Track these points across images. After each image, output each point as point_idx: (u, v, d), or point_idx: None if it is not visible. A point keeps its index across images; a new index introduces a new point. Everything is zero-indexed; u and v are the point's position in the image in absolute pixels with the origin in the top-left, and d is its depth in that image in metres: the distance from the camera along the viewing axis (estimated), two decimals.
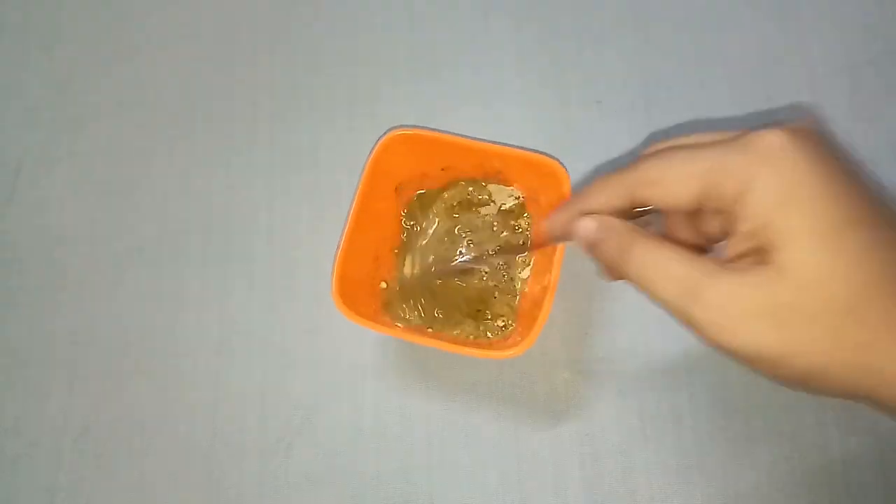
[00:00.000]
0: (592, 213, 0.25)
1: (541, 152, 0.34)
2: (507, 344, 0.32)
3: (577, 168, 0.39)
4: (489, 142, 0.34)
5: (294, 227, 0.40)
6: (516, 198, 0.38)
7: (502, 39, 0.43)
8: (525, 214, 0.38)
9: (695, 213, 0.25)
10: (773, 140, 0.20)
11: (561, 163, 0.33)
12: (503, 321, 0.36)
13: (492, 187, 0.38)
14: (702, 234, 0.25)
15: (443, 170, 0.37)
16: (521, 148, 0.34)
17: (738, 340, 0.20)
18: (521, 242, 0.37)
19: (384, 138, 0.34)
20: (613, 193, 0.24)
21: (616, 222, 0.24)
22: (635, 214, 0.25)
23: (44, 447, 0.37)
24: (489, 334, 0.36)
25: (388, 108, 0.42)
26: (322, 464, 0.36)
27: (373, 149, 0.34)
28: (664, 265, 0.22)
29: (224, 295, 0.39)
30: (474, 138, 0.34)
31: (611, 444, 0.36)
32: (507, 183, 0.37)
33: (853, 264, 0.19)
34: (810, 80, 0.41)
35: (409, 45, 0.43)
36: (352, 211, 0.33)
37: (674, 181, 0.22)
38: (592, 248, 0.25)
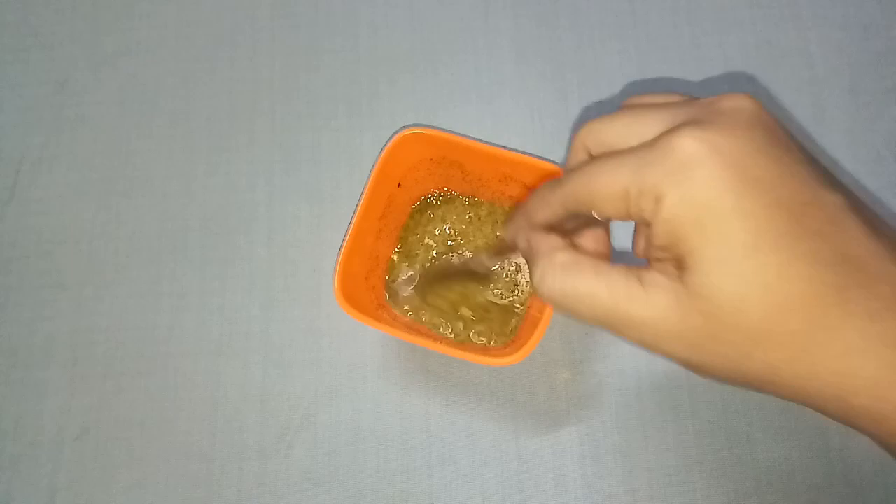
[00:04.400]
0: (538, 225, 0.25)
1: (548, 160, 0.34)
2: (507, 350, 0.32)
3: None
4: (499, 146, 0.34)
5: (294, 227, 0.40)
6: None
7: (502, 39, 0.43)
8: None
9: None
10: (686, 148, 0.19)
11: None
12: (511, 326, 0.36)
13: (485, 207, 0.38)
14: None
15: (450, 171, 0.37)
16: (525, 153, 0.34)
17: (663, 354, 0.21)
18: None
19: (396, 137, 0.34)
20: (551, 210, 0.24)
21: (535, 244, 0.24)
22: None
23: (44, 447, 0.37)
24: (498, 334, 0.36)
25: (388, 106, 0.42)
26: (322, 464, 0.36)
27: (384, 147, 0.34)
28: (584, 293, 0.22)
29: (224, 295, 0.39)
30: (485, 141, 0.34)
31: (611, 444, 0.36)
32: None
33: (762, 289, 0.18)
34: (810, 80, 0.41)
35: (409, 44, 0.43)
36: (359, 208, 0.33)
37: (600, 201, 0.21)
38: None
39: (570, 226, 0.25)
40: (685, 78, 0.41)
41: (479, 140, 0.34)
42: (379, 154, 0.34)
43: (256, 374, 0.38)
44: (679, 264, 0.20)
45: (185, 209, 0.41)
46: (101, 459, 0.37)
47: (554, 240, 0.24)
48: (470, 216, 0.38)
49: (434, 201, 0.39)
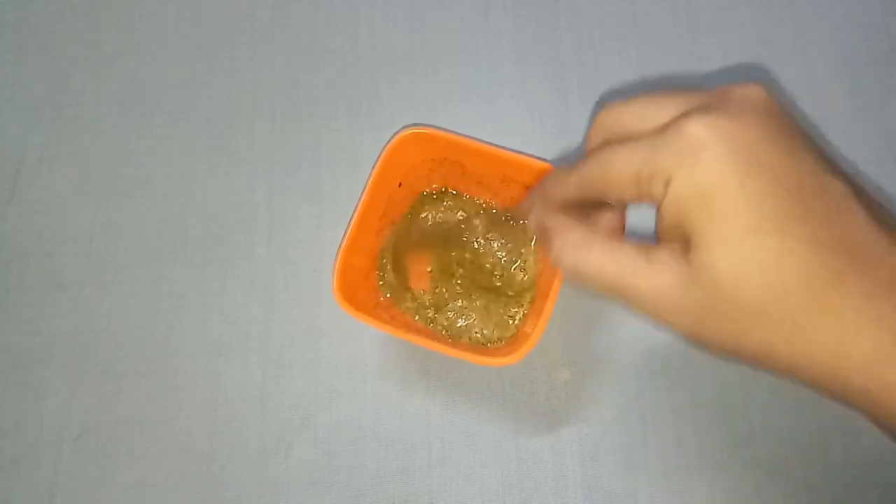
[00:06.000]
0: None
1: (549, 160, 0.34)
2: (506, 350, 0.32)
3: None
4: (499, 146, 0.34)
5: (294, 227, 0.40)
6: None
7: (502, 38, 0.43)
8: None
9: None
10: (694, 133, 0.20)
11: None
12: (517, 311, 0.36)
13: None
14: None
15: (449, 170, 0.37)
16: (525, 153, 0.34)
17: (666, 325, 0.22)
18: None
19: (398, 136, 0.34)
20: (567, 194, 0.25)
21: (550, 225, 0.25)
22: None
23: (44, 447, 0.37)
24: (507, 315, 0.36)
25: (388, 106, 0.42)
26: (322, 464, 0.36)
27: (386, 146, 0.34)
28: (595, 268, 0.23)
29: (224, 295, 0.39)
30: (485, 141, 0.34)
31: (611, 444, 0.36)
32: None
33: (761, 268, 0.19)
34: (810, 80, 0.41)
35: (409, 44, 0.43)
36: (359, 207, 0.33)
37: (613, 186, 0.22)
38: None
39: (585, 206, 0.26)
40: (685, 79, 0.41)
41: (480, 140, 0.34)
42: (380, 154, 0.34)
43: (256, 374, 0.38)
44: (684, 244, 0.21)
45: (185, 209, 0.41)
46: (101, 459, 0.37)
47: (568, 219, 0.25)
48: (465, 215, 0.38)
49: (433, 197, 0.39)
